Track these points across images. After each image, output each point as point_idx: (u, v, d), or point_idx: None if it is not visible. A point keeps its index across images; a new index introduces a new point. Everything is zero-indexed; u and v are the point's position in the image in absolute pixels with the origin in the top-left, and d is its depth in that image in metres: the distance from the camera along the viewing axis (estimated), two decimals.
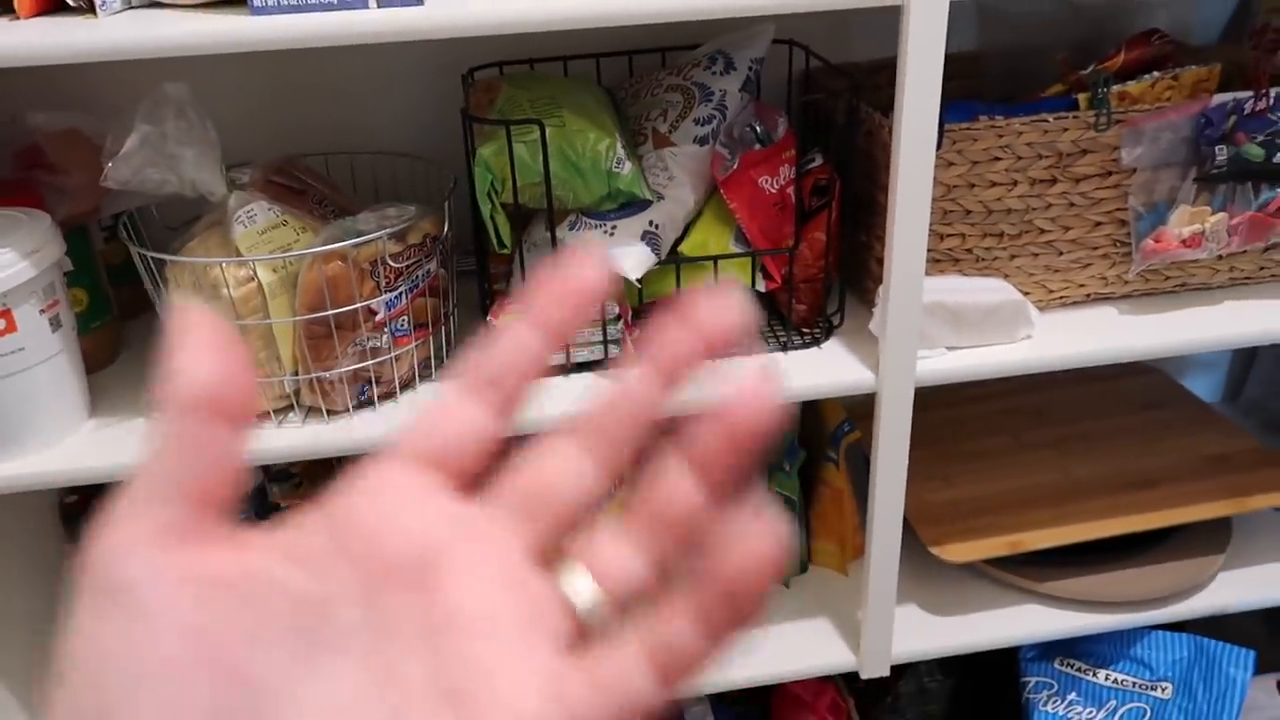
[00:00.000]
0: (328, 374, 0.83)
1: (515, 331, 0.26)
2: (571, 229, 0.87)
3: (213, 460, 0.23)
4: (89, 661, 0.21)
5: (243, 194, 0.83)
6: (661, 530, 0.25)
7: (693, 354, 0.26)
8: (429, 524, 0.24)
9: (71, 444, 0.85)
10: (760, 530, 0.23)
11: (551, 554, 0.25)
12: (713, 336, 0.25)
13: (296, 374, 0.84)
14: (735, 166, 0.87)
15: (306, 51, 1.04)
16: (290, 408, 0.87)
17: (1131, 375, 1.29)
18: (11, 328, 0.78)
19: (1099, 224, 0.92)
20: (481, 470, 0.26)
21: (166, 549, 0.22)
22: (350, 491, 0.25)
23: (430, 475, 0.25)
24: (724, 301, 0.25)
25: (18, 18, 0.73)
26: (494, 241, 0.85)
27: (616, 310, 0.88)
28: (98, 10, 0.72)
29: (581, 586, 0.25)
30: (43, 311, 0.80)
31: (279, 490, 1.05)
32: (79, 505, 1.12)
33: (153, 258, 0.80)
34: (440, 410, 0.26)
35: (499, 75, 0.99)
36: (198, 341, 0.23)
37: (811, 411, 1.12)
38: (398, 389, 0.88)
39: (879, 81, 0.97)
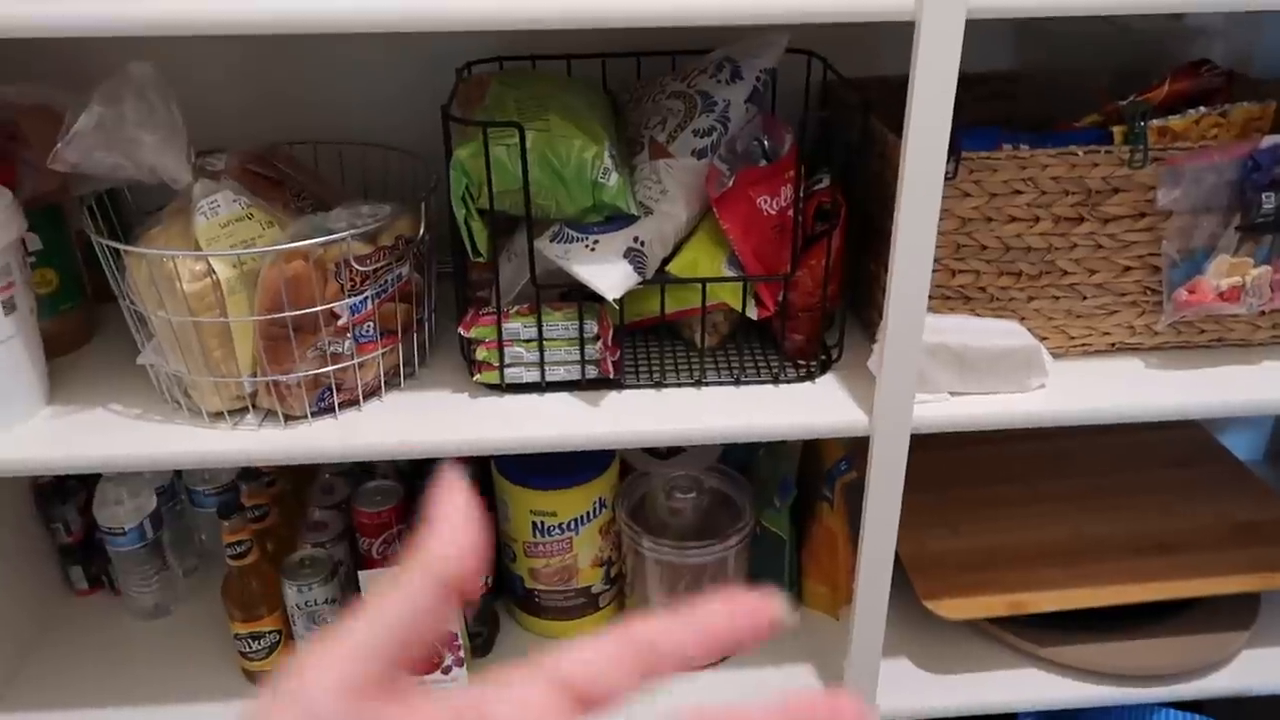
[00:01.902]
0: (285, 378, 0.79)
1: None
2: (553, 240, 0.82)
3: (427, 627, 0.27)
4: None
5: (208, 182, 0.79)
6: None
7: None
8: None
9: (25, 432, 0.82)
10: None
11: None
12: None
13: (255, 375, 0.80)
14: (731, 184, 0.81)
15: (304, 34, 1.00)
16: (246, 410, 0.83)
17: (1163, 428, 1.18)
18: None
19: (1128, 269, 0.85)
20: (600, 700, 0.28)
21: (349, 699, 0.26)
22: (493, 681, 0.28)
23: (558, 695, 0.27)
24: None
25: None
26: (469, 249, 0.80)
27: (596, 330, 0.83)
28: None
29: None
30: None
31: (248, 489, 1.01)
32: (53, 486, 1.10)
33: (108, 245, 0.77)
34: (584, 653, 0.28)
35: (496, 70, 0.94)
36: (452, 521, 0.28)
37: (809, 448, 1.06)
38: (361, 397, 0.84)
39: (905, 99, 0.91)
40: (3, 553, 1.05)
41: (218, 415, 0.82)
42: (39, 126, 0.83)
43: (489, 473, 1.02)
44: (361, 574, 0.93)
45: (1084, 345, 0.88)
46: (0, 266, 0.77)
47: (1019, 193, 0.81)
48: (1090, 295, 0.86)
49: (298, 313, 0.77)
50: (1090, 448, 1.16)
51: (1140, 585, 0.97)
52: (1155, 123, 0.82)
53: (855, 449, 0.99)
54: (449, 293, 0.92)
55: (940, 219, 0.74)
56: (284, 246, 0.75)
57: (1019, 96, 1.05)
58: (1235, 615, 1.01)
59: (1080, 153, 0.79)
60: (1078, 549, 1.02)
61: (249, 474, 1.04)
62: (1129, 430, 1.16)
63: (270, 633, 0.99)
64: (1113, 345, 0.89)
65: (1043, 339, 0.85)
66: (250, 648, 0.99)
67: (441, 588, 0.27)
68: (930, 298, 0.77)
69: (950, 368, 0.82)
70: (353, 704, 0.26)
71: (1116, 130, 0.82)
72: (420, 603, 0.27)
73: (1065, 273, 0.84)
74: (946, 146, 0.71)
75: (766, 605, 0.29)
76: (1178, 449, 1.17)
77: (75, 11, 0.65)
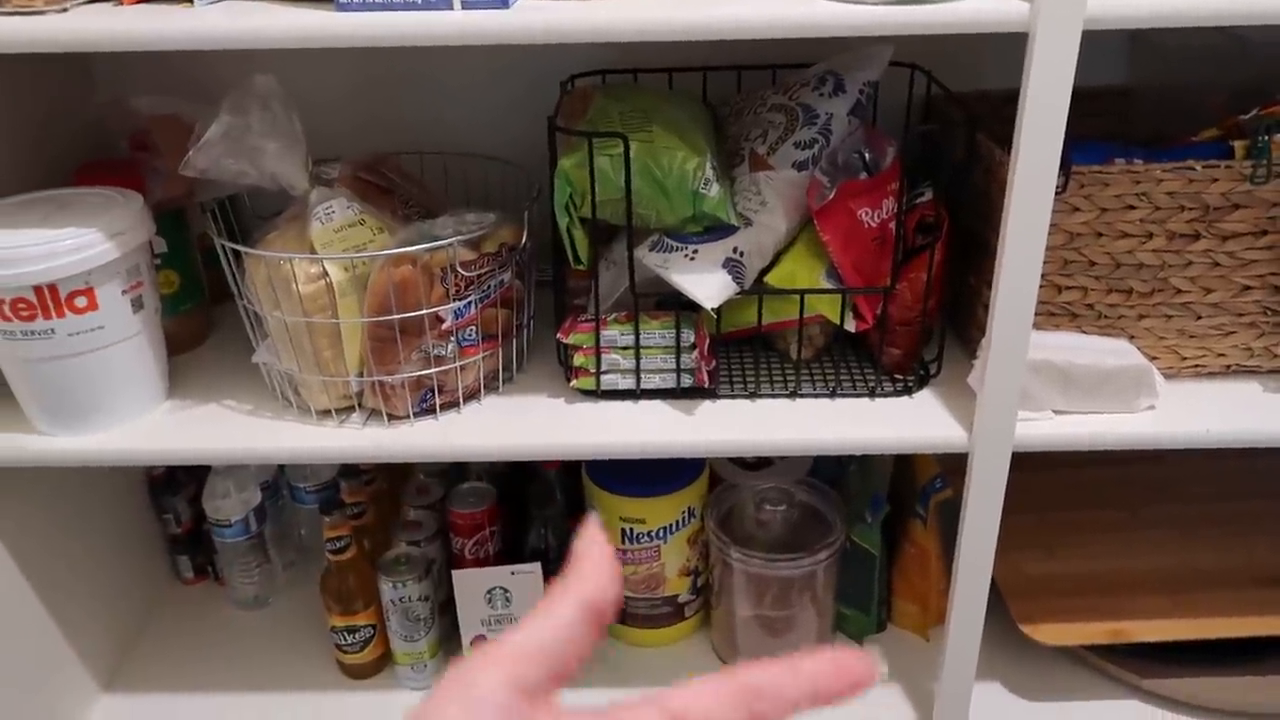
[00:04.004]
0: (390, 378, 0.82)
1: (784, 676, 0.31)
2: (653, 249, 0.83)
3: (575, 650, 0.30)
4: None
5: (324, 189, 0.82)
6: None
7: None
8: None
9: (146, 424, 0.86)
10: None
11: None
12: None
13: (361, 375, 0.83)
14: (832, 196, 0.81)
15: (410, 48, 1.03)
16: (352, 408, 0.85)
17: (1277, 453, 1.15)
18: (92, 306, 0.79)
19: (1247, 288, 0.82)
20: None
21: (515, 695, 0.28)
22: (615, 707, 0.29)
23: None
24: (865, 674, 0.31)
25: (120, 4, 0.74)
26: (570, 256, 0.81)
27: (692, 339, 0.83)
28: (194, 0, 0.73)
29: None
30: (125, 292, 0.81)
31: (348, 486, 1.05)
32: (165, 478, 1.15)
33: (230, 247, 0.81)
34: (701, 692, 0.30)
35: (598, 84, 0.95)
36: (595, 560, 0.31)
37: (903, 463, 1.04)
38: (461, 399, 0.86)
39: (1009, 114, 0.89)
40: (118, 540, 1.10)
41: (325, 413, 0.85)
42: (169, 135, 0.88)
43: (580, 479, 1.04)
44: (455, 573, 0.95)
45: (1197, 366, 0.85)
46: (130, 266, 0.81)
47: (1132, 208, 0.79)
48: (1205, 315, 0.83)
49: (404, 315, 0.79)
50: (1197, 473, 1.12)
51: (1251, 619, 0.93)
52: (1279, 137, 0.79)
53: (950, 466, 0.98)
54: (547, 300, 0.94)
55: (1048, 234, 0.72)
56: (394, 251, 0.78)
57: (1131, 112, 1.03)
58: None
59: (1198, 167, 0.77)
60: (1184, 578, 0.99)
61: (349, 472, 1.07)
62: (1240, 456, 1.11)
63: (365, 627, 1.02)
64: (1228, 367, 0.86)
65: (1153, 359, 0.83)
66: (345, 640, 1.02)
67: (586, 613, 0.30)
68: (1035, 314, 0.75)
69: (1055, 385, 0.80)
70: (514, 701, 0.28)
71: (1237, 145, 0.79)
72: (569, 624, 0.30)
73: (1179, 291, 0.82)
74: (1058, 160, 0.70)
75: (867, 665, 0.31)
76: None
77: (202, 27, 0.68)
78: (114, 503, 1.10)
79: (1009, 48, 0.69)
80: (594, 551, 0.31)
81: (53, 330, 0.78)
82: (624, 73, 0.98)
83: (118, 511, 1.11)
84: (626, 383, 0.85)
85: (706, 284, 0.79)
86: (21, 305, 0.77)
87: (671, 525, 1.00)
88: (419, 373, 0.82)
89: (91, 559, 1.05)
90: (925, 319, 0.85)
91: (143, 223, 0.82)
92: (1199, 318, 0.83)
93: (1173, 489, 1.10)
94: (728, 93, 0.98)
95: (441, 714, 0.27)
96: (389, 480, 1.15)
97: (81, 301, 0.78)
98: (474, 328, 0.83)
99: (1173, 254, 0.80)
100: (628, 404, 0.86)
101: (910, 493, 1.03)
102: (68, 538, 1.01)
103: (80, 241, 0.76)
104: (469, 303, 0.82)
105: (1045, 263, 0.74)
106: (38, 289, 0.76)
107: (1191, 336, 0.84)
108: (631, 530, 1.00)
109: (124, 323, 0.81)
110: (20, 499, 0.94)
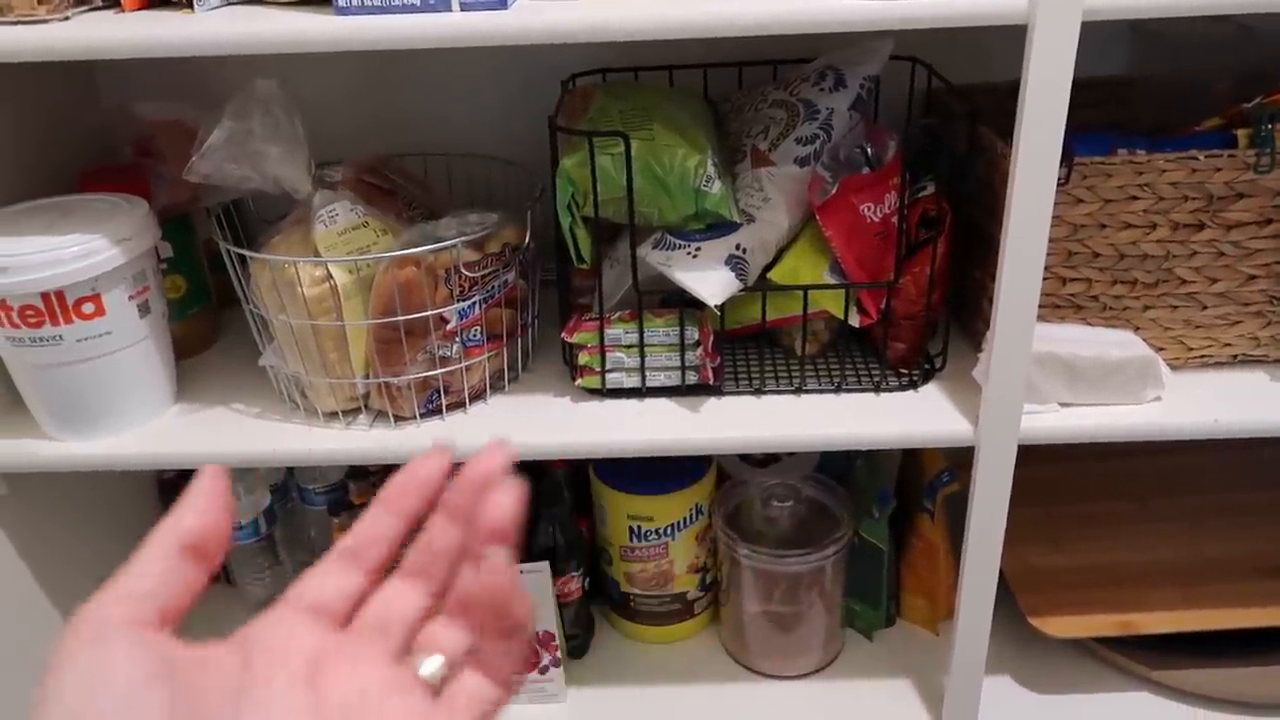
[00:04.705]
0: (396, 380, 0.82)
1: (374, 515, 0.35)
2: (655, 247, 0.83)
3: (178, 588, 0.30)
4: (64, 692, 0.27)
5: (327, 192, 0.82)
6: (439, 574, 0.35)
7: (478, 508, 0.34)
8: (314, 642, 0.32)
9: (155, 428, 0.86)
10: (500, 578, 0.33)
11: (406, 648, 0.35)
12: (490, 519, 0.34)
13: (367, 376, 0.83)
14: (834, 191, 0.81)
15: (414, 50, 1.03)
16: (359, 410, 0.86)
17: None
18: (100, 312, 0.79)
19: (1253, 277, 0.81)
20: (353, 609, 0.34)
21: (137, 629, 0.29)
22: (256, 627, 0.32)
23: (311, 618, 0.34)
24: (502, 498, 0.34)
25: (123, 11, 0.75)
26: (573, 256, 0.81)
27: (697, 336, 0.83)
28: (195, 6, 0.73)
29: (430, 664, 0.34)
30: (131, 298, 0.81)
31: (356, 487, 1.05)
32: (176, 481, 1.15)
33: (235, 252, 0.81)
34: (319, 575, 0.34)
35: (599, 82, 0.95)
36: (200, 496, 0.32)
37: (910, 458, 1.04)
38: (467, 399, 0.86)
39: (1014, 106, 0.89)
40: (129, 544, 1.09)
41: (332, 415, 0.85)
42: (173, 141, 0.88)
43: (587, 477, 1.04)
44: None
45: (1203, 357, 0.85)
46: (136, 272, 0.82)
47: (1135, 199, 0.78)
48: (1211, 305, 0.82)
49: (409, 317, 0.79)
50: (1206, 464, 1.11)
51: (1261, 610, 0.93)
52: None
53: (957, 460, 0.98)
54: (552, 299, 0.94)
55: (1051, 226, 0.72)
56: (398, 253, 0.78)
57: (1134, 101, 1.02)
58: None
59: (1201, 157, 0.77)
60: (1193, 569, 0.98)
61: (357, 473, 1.07)
62: (1248, 446, 1.11)
63: None
64: (1235, 357, 0.85)
65: (1159, 349, 0.82)
66: None
67: (184, 550, 0.31)
68: (1040, 306, 0.75)
69: (1060, 378, 0.80)
70: (144, 633, 0.29)
71: (1241, 133, 0.79)
72: (165, 564, 0.30)
73: (1184, 281, 0.81)
74: (1059, 152, 0.69)
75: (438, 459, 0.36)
76: None
77: (202, 33, 0.69)
78: (124, 506, 1.10)
79: (1013, 39, 0.69)
80: (200, 487, 0.31)
81: (61, 337, 0.79)
82: (625, 71, 0.98)
83: (128, 515, 1.11)
84: (632, 381, 0.85)
85: (710, 281, 0.79)
86: (29, 312, 0.77)
87: (679, 522, 1.00)
88: (425, 374, 0.82)
89: (102, 563, 1.05)
90: (929, 313, 0.85)
91: (148, 228, 0.83)
92: (1204, 308, 0.83)
93: (1180, 480, 1.10)
94: (729, 89, 0.98)
95: (76, 678, 0.27)
96: None
97: (89, 308, 0.79)
98: (479, 328, 0.83)
99: (1177, 244, 0.80)
100: (633, 402, 0.86)
101: (917, 487, 1.03)
102: (78, 542, 1.02)
103: (86, 248, 0.77)
104: (473, 303, 0.82)
105: (1049, 255, 0.74)
106: (45, 296, 0.77)
107: (1197, 327, 0.84)
108: (640, 528, 1.00)
109: (131, 328, 0.82)
110: (31, 503, 0.95)
